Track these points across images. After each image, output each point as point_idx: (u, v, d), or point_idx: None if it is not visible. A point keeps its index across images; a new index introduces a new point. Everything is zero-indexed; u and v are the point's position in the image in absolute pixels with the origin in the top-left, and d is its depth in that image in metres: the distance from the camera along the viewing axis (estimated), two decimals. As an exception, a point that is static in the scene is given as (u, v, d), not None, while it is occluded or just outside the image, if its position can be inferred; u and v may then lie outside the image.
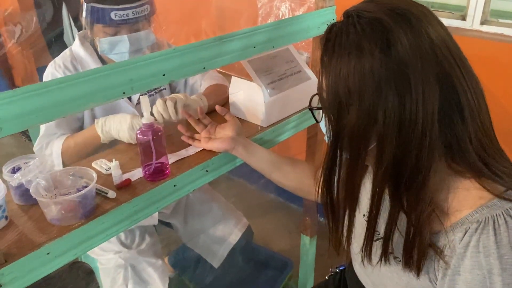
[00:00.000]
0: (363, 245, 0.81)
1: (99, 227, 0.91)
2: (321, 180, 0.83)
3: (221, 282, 1.77)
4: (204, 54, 0.98)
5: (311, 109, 0.83)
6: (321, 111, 0.80)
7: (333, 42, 0.71)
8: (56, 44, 2.37)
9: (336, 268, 1.19)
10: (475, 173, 0.72)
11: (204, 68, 0.99)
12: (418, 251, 0.73)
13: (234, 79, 1.27)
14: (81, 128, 1.38)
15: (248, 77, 1.23)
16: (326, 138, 0.84)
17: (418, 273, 0.74)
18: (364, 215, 0.91)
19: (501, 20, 1.58)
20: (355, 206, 0.80)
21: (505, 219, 0.66)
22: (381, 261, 0.80)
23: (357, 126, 0.70)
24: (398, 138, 0.68)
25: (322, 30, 1.29)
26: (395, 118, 0.67)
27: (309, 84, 1.33)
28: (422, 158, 0.69)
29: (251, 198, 2.53)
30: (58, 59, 1.37)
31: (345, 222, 0.82)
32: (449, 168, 0.73)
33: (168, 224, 1.63)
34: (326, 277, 1.22)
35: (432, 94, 0.67)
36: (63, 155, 1.25)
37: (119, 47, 1.31)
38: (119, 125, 1.15)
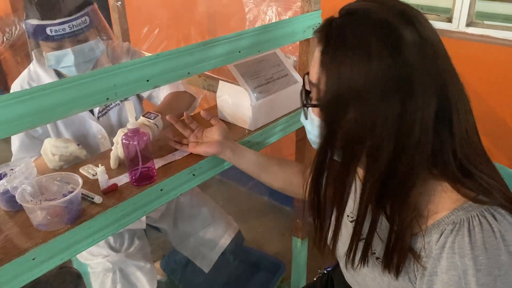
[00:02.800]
0: (348, 247, 0.81)
1: (85, 232, 0.92)
2: (309, 180, 0.82)
3: (212, 286, 1.78)
4: (188, 59, 0.99)
5: (305, 105, 0.79)
6: (308, 108, 0.79)
7: (336, 38, 0.68)
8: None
9: (324, 269, 1.20)
10: (451, 178, 0.72)
11: (188, 73, 1.00)
12: (399, 255, 0.74)
13: (221, 83, 1.28)
14: None
15: (236, 81, 1.24)
16: (311, 136, 0.84)
17: (397, 275, 0.75)
18: (348, 215, 0.92)
19: (486, 22, 1.59)
20: (344, 209, 0.79)
21: (479, 220, 0.67)
22: (361, 262, 0.81)
23: (354, 129, 0.69)
24: (394, 146, 0.68)
25: (308, 34, 1.31)
26: (395, 125, 0.67)
27: (297, 88, 1.34)
28: (414, 167, 0.69)
29: (243, 200, 2.53)
30: (16, 82, 1.36)
31: (332, 224, 0.82)
32: (429, 173, 0.74)
33: (158, 228, 1.64)
34: (315, 278, 1.23)
35: (431, 104, 0.67)
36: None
37: (64, 61, 1.26)
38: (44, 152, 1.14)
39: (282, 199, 2.43)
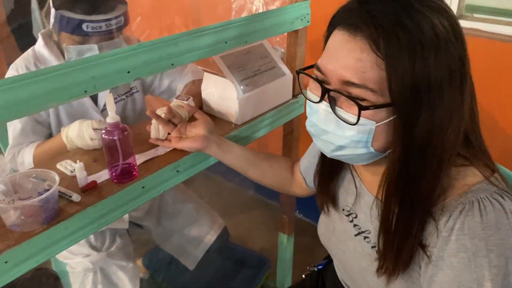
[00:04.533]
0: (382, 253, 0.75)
1: (63, 232, 0.87)
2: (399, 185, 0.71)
3: (197, 283, 1.74)
4: (172, 50, 0.94)
5: (360, 108, 0.65)
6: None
7: (392, 27, 0.60)
8: (24, 38, 2.27)
9: (314, 266, 1.17)
10: (463, 162, 0.71)
11: (172, 64, 0.95)
12: (408, 253, 0.71)
13: (206, 75, 1.23)
14: (50, 135, 1.33)
15: (222, 73, 1.19)
16: (335, 141, 0.72)
17: (404, 269, 0.72)
18: (343, 209, 0.89)
19: (476, 15, 1.57)
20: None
21: (490, 201, 0.64)
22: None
23: (428, 126, 0.64)
24: (447, 140, 0.66)
25: (297, 25, 1.26)
26: (457, 117, 0.66)
27: (284, 80, 1.30)
28: (448, 161, 0.68)
29: (228, 194, 2.49)
30: (19, 61, 1.28)
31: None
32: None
33: (141, 225, 1.59)
34: (303, 276, 1.19)
35: (470, 95, 0.68)
36: (35, 164, 1.20)
37: (86, 55, 1.21)
38: (76, 133, 1.09)
39: (268, 194, 2.39)
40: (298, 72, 0.76)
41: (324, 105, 0.69)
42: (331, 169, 0.90)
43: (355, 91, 0.64)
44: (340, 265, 0.97)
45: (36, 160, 1.21)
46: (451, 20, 0.63)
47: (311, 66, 0.72)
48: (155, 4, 2.33)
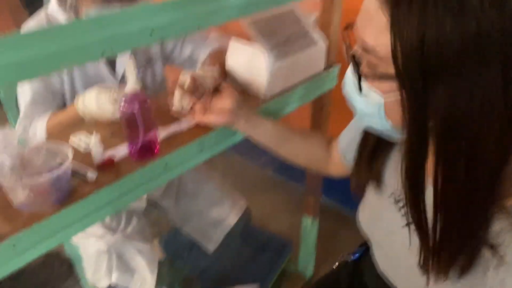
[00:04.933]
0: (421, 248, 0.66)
1: (76, 214, 0.77)
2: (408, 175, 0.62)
3: (216, 266, 1.66)
4: (198, 9, 0.82)
5: (359, 75, 0.60)
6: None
7: None
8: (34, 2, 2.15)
9: (349, 255, 1.06)
10: None
11: (198, 26, 0.84)
12: (468, 253, 0.60)
13: (232, 43, 1.11)
14: (64, 106, 1.23)
15: (248, 42, 1.08)
16: (364, 118, 0.67)
17: (462, 272, 0.62)
18: (390, 195, 0.78)
19: None
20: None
21: None
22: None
23: (452, 106, 0.52)
24: (499, 131, 0.53)
25: (335, -14, 1.14)
26: (496, 101, 0.51)
27: (317, 50, 1.18)
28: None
29: (248, 176, 2.38)
30: (32, 22, 1.16)
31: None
32: None
33: (158, 206, 1.49)
34: (334, 266, 1.09)
35: None
36: (48, 137, 1.10)
37: None
38: (95, 105, 0.99)
39: (290, 176, 2.28)
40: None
41: (350, 68, 0.64)
42: (376, 144, 0.79)
43: (370, 58, 0.58)
44: (382, 257, 0.87)
45: (49, 132, 1.11)
46: None
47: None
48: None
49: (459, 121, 0.53)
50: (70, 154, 0.77)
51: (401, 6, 0.51)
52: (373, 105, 0.61)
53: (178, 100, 0.97)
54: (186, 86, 0.96)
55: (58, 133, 1.05)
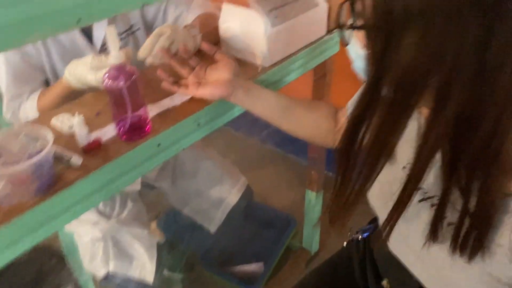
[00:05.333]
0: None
1: (62, 204, 0.70)
2: (348, 123, 0.61)
3: (219, 246, 1.59)
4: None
5: (340, 27, 0.58)
6: (350, 30, 0.58)
7: None
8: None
9: (358, 233, 1.00)
10: None
11: (188, -13, 0.74)
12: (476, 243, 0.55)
13: (225, 6, 1.01)
14: (47, 81, 1.13)
15: (242, 5, 0.98)
16: (354, 66, 0.64)
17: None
18: (404, 167, 0.71)
19: None
20: (389, 154, 0.59)
21: None
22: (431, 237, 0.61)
23: (414, 61, 0.48)
24: (472, 89, 0.47)
25: None
26: (474, 57, 0.45)
27: (318, 12, 1.09)
28: (503, 119, 0.48)
29: (246, 150, 2.30)
30: None
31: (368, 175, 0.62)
32: None
33: (154, 187, 1.42)
34: (344, 244, 1.03)
35: None
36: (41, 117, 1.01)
37: None
38: (76, 78, 0.89)
39: (291, 148, 2.20)
40: None
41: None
42: None
43: (357, 6, 0.54)
44: (393, 235, 0.80)
45: (42, 112, 1.03)
46: None
47: None
48: None
49: (421, 76, 0.49)
50: (51, 138, 0.69)
51: None
52: (360, 58, 0.59)
53: (147, 48, 0.88)
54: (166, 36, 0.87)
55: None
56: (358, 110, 0.57)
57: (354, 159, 0.64)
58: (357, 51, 0.62)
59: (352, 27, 0.56)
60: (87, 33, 1.13)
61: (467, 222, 0.56)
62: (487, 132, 0.49)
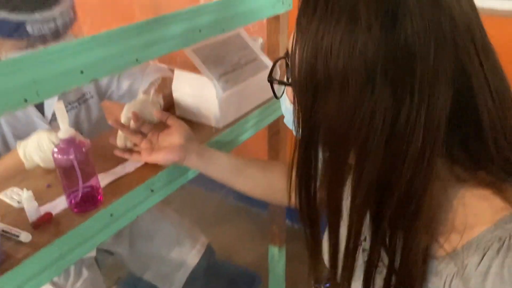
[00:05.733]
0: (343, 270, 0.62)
1: (10, 285, 0.67)
2: (296, 185, 0.62)
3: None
4: (135, 42, 0.75)
5: (271, 81, 0.62)
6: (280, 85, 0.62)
7: None
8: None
9: (322, 284, 1.00)
10: (494, 181, 0.54)
11: (137, 60, 0.76)
12: None
13: (177, 72, 1.04)
14: None
15: (194, 70, 1.01)
16: (284, 121, 0.69)
17: None
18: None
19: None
20: (339, 217, 0.59)
21: None
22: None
23: (335, 122, 0.51)
24: (386, 152, 0.49)
25: (278, 9, 1.09)
26: (385, 125, 0.48)
27: (267, 74, 1.13)
28: (417, 181, 0.50)
29: (208, 205, 2.28)
30: None
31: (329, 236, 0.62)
32: (451, 174, 0.55)
33: (111, 251, 1.38)
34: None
35: (442, 98, 0.48)
36: None
37: None
38: (34, 147, 0.88)
39: (253, 202, 2.20)
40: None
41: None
42: None
43: (287, 61, 0.58)
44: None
45: None
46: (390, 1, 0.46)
47: None
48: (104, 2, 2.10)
49: (343, 138, 0.51)
50: (-2, 216, 0.67)
51: (306, 11, 0.50)
52: (289, 112, 0.61)
53: (121, 140, 0.89)
54: (130, 125, 0.89)
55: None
56: (301, 169, 0.59)
57: (315, 217, 0.65)
58: (287, 106, 0.65)
59: (281, 82, 0.59)
60: (38, 104, 1.13)
61: (393, 279, 0.58)
62: (402, 194, 0.51)
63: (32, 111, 1.11)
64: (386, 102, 0.47)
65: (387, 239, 0.56)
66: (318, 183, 0.60)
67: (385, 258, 0.59)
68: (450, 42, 0.47)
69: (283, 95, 0.65)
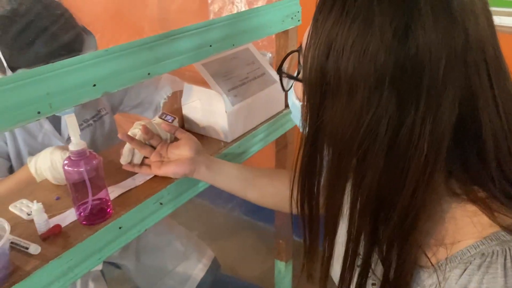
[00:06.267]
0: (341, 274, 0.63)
1: (19, 297, 0.67)
2: (298, 187, 0.63)
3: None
4: (147, 56, 0.76)
5: (280, 74, 0.62)
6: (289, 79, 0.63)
7: None
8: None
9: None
10: (484, 198, 0.54)
11: (148, 74, 0.77)
12: None
13: (187, 87, 1.05)
14: (11, 167, 1.12)
15: (203, 84, 1.02)
16: (291, 116, 0.72)
17: None
18: None
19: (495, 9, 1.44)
20: (336, 222, 0.60)
21: None
22: None
23: (340, 124, 0.51)
24: (386, 162, 0.50)
25: (287, 24, 1.10)
26: (387, 134, 0.48)
27: (276, 88, 1.14)
28: (417, 194, 0.51)
29: (215, 220, 2.27)
30: None
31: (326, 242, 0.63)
32: (446, 188, 0.55)
33: (117, 264, 1.37)
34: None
35: (447, 115, 0.48)
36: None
37: None
38: (48, 165, 0.89)
39: (260, 217, 2.19)
40: None
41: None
42: None
43: (300, 59, 0.59)
44: None
45: (1, 199, 1.00)
46: (407, 9, 0.46)
47: None
48: (121, 14, 2.12)
49: (346, 142, 0.52)
50: (7, 227, 0.67)
51: (323, 9, 0.51)
52: (295, 108, 0.64)
53: (127, 154, 0.89)
54: (137, 137, 0.89)
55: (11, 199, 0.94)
56: (305, 166, 0.59)
57: (315, 217, 0.65)
58: (294, 101, 0.65)
59: (290, 76, 0.60)
60: (55, 120, 1.14)
61: None
62: (401, 205, 0.51)
63: (49, 130, 1.12)
64: (391, 112, 0.47)
65: (384, 250, 0.56)
66: (322, 183, 0.60)
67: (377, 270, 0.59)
68: (461, 59, 0.47)
69: (291, 89, 0.66)
